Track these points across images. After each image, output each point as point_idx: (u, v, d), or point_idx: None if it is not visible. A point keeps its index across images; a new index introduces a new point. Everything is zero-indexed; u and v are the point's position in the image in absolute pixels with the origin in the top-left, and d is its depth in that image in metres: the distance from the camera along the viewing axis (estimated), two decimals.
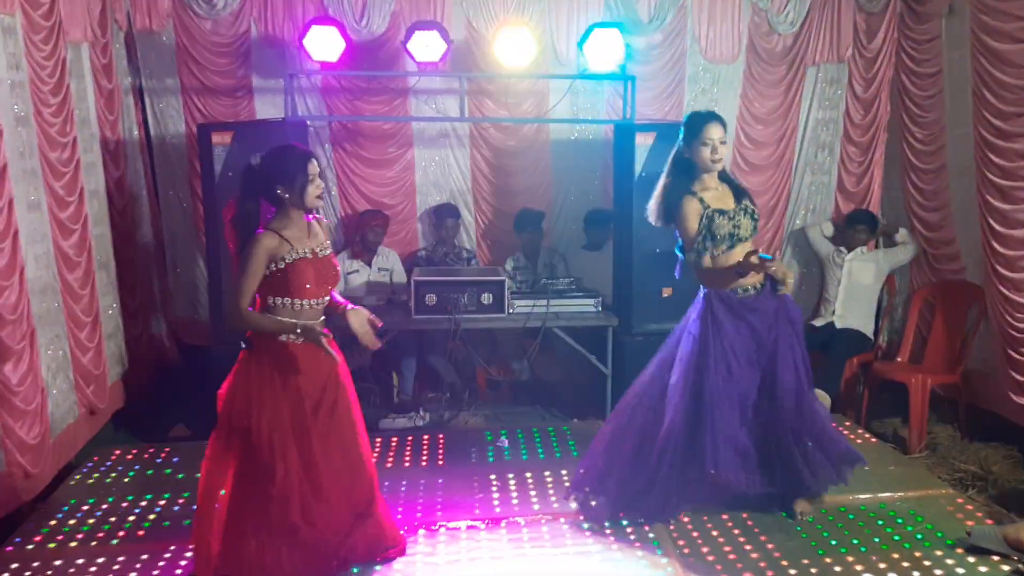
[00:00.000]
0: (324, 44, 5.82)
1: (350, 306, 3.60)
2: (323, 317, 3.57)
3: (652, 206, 4.04)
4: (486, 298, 5.67)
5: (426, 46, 5.86)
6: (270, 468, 3.40)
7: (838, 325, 6.20)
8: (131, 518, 4.23)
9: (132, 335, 6.02)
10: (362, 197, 6.54)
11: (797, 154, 6.74)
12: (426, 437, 5.35)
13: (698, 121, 3.92)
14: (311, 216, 3.55)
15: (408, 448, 5.17)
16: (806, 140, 6.72)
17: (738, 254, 3.85)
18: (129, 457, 5.04)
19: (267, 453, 3.39)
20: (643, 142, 5.60)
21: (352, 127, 6.46)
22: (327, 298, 3.57)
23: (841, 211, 6.75)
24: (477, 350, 6.02)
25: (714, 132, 3.87)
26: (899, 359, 6.06)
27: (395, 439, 5.30)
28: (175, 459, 5.00)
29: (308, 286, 3.43)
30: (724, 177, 4.04)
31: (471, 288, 5.67)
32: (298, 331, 3.38)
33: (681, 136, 3.98)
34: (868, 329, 6.24)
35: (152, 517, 4.24)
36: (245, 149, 5.05)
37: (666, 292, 5.59)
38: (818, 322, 6.33)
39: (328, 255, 3.56)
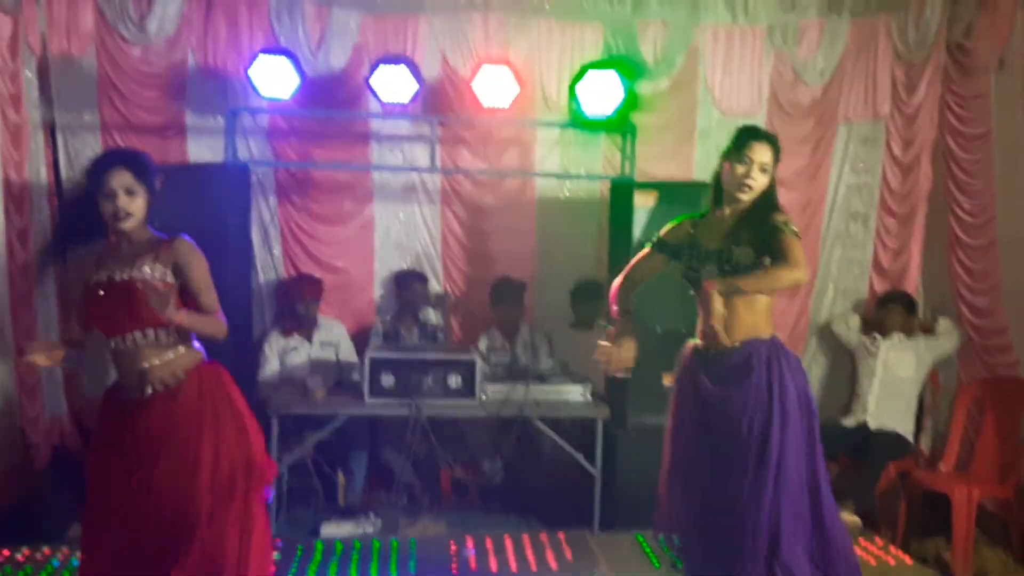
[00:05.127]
0: (274, 77, 6.07)
1: None
2: (159, 360, 3.54)
3: None
4: (453, 381, 5.86)
5: (393, 84, 6.13)
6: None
7: (872, 426, 6.44)
8: None
9: (28, 416, 6.12)
10: (310, 259, 6.77)
11: (826, 224, 7.07)
12: (377, 546, 5.52)
13: (743, 136, 3.89)
14: (166, 237, 3.62)
15: (355, 558, 5.32)
16: (836, 208, 7.06)
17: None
18: (20, 559, 5.16)
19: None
20: (643, 203, 5.93)
21: (302, 176, 6.72)
22: (146, 334, 3.53)
23: (876, 292, 7.03)
24: (441, 444, 6.10)
25: (759, 152, 3.82)
26: (943, 467, 6.30)
27: (340, 547, 5.46)
28: (75, 562, 5.03)
29: (82, 323, 3.53)
30: (754, 218, 3.86)
31: (436, 369, 5.85)
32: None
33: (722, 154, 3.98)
34: (907, 431, 6.47)
35: None
36: (177, 197, 4.91)
37: (667, 380, 5.74)
38: (849, 422, 6.57)
39: (128, 281, 3.50)
